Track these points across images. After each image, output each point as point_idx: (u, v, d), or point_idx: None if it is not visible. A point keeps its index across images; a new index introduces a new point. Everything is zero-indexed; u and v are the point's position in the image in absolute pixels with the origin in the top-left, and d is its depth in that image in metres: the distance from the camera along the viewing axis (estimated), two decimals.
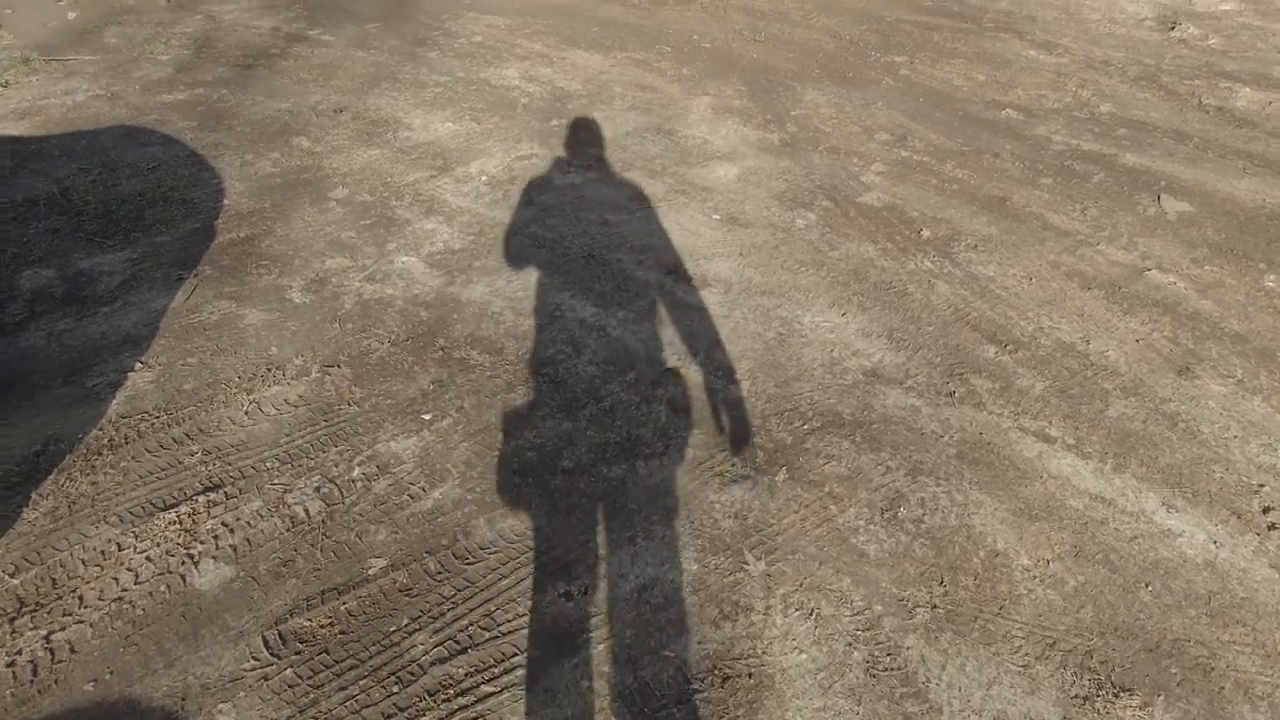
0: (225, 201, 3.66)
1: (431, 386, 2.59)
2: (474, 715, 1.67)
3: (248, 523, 2.09)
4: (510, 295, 3.03)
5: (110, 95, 4.63)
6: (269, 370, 2.64)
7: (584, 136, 4.20)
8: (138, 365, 2.66)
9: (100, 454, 2.27)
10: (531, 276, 3.14)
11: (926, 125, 4.32)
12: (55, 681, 1.71)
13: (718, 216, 3.52)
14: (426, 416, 2.46)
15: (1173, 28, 5.52)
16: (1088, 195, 3.72)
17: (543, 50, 5.30)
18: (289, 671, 1.74)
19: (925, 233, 3.37)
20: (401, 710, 1.68)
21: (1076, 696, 1.74)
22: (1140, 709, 1.71)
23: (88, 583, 1.92)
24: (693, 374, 2.63)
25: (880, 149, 4.07)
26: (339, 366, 2.66)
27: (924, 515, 2.15)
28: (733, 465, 2.29)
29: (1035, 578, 1.99)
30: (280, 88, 4.79)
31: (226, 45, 5.46)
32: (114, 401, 2.47)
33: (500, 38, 5.52)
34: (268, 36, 5.59)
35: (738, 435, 2.38)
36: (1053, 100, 4.63)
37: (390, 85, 4.83)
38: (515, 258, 3.25)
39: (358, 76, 4.96)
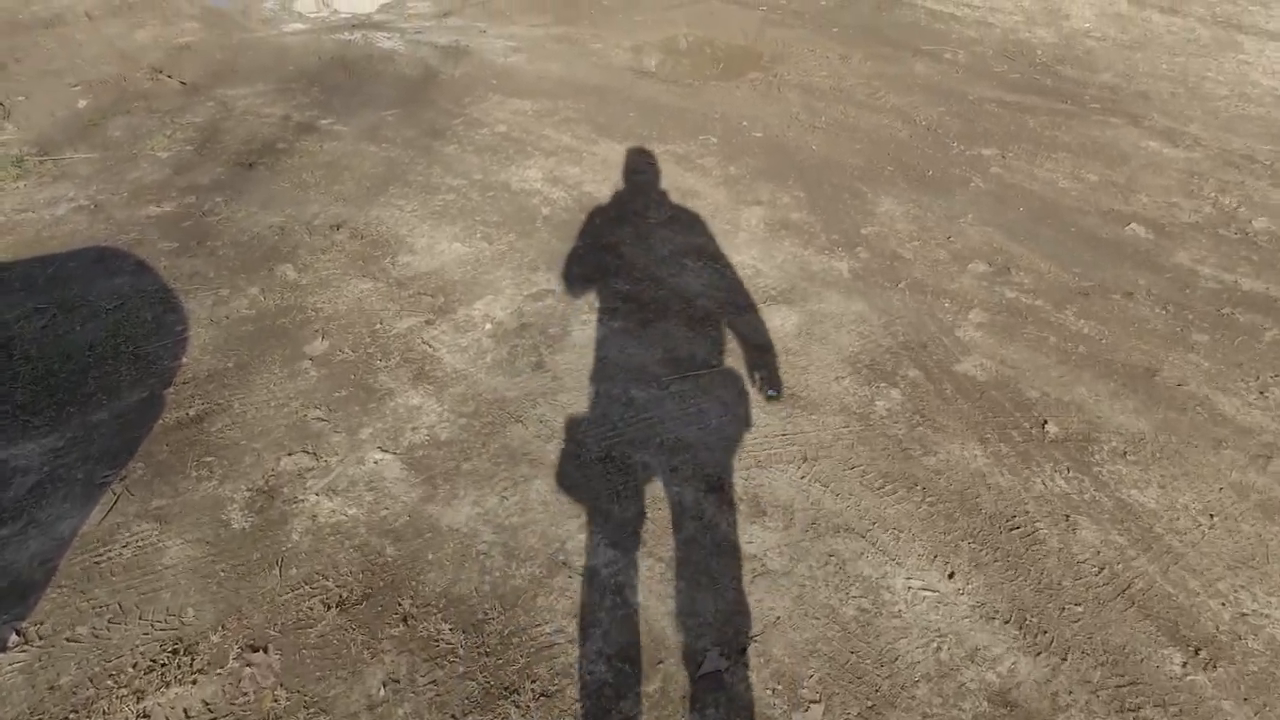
0: (184, 359, 3.08)
1: (383, 692, 1.89)
2: None
3: None
4: (503, 523, 2.33)
5: (94, 206, 4.17)
6: (175, 654, 1.98)
7: (611, 265, 3.52)
8: (13, 639, 2.04)
9: None
10: (533, 490, 2.43)
11: (1032, 248, 3.50)
12: None
13: (773, 393, 2.76)
14: None
15: None
16: (1262, 362, 2.85)
17: (571, 143, 4.68)
18: None
19: (1051, 427, 2.55)
20: None
21: None
22: None
23: None
24: (740, 684, 1.86)
25: (977, 285, 3.27)
26: (266, 650, 1.99)
27: None
28: None
29: None
30: (278, 194, 4.26)
31: (232, 138, 5.00)
32: None
33: (526, 126, 4.92)
34: (276, 127, 5.12)
35: None
36: (1188, 211, 3.75)
37: (398, 190, 4.26)
38: (515, 456, 2.56)
39: (364, 178, 4.41)
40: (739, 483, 2.42)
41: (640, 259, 3.57)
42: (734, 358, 2.96)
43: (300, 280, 3.53)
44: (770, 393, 2.75)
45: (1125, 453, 2.48)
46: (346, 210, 4.09)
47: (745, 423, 2.65)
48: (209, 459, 2.60)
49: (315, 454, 2.60)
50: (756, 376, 2.82)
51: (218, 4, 7.72)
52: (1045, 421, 2.59)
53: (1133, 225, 3.66)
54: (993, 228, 3.69)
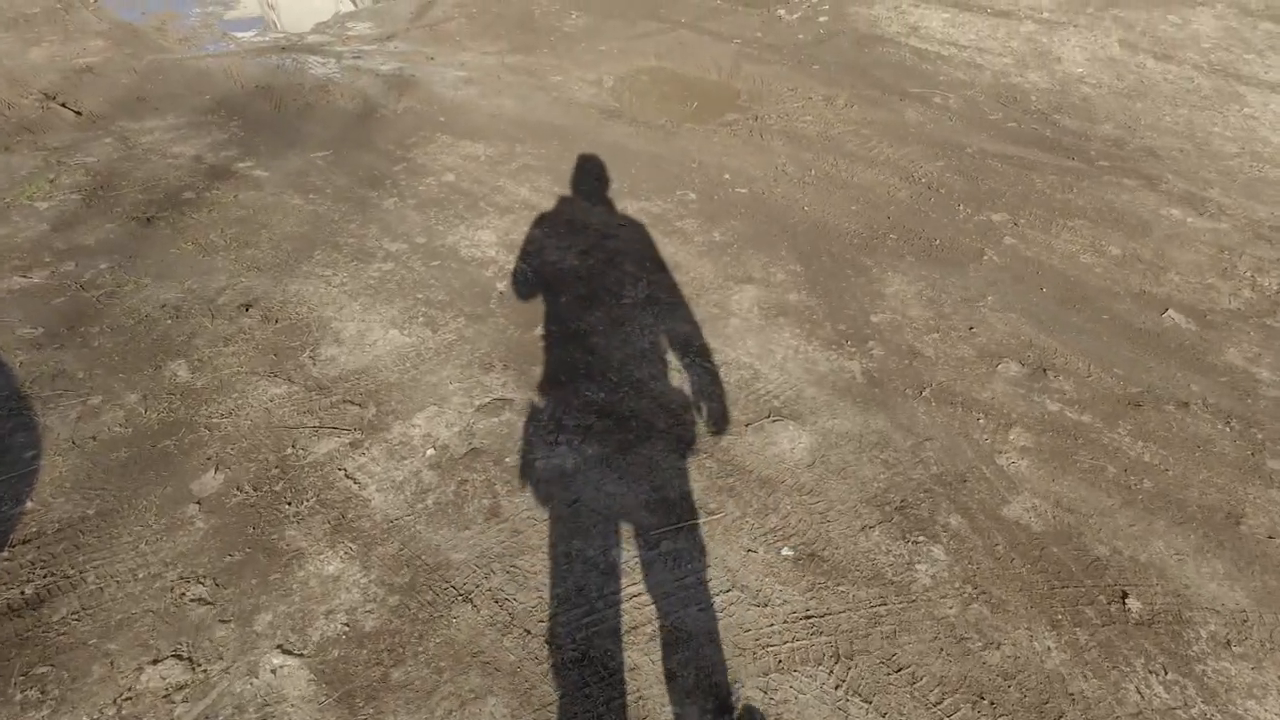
0: (29, 502, 2.37)
1: None
2: None
3: None
4: None
5: None
6: None
7: (580, 363, 2.93)
8: None
9: None
10: (487, 715, 1.81)
11: (1065, 341, 3.04)
12: None
13: (789, 552, 2.21)
14: None
15: None
16: None
17: (529, 196, 4.08)
18: None
19: (1133, 602, 2.05)
20: None
21: None
22: None
23: None
24: None
25: (1013, 393, 2.78)
26: None
27: None
28: None
29: None
30: (178, 261, 3.55)
31: (131, 184, 4.25)
32: None
33: (478, 176, 4.30)
34: (185, 170, 4.38)
35: None
36: (1226, 295, 3.35)
37: (325, 256, 3.59)
38: (463, 658, 1.94)
39: (285, 239, 3.72)
40: (756, 697, 1.85)
41: (616, 354, 2.99)
42: (736, 497, 2.39)
43: (194, 383, 2.84)
44: (784, 551, 2.20)
45: (1228, 640, 1.99)
46: (260, 283, 3.41)
47: (757, 598, 2.09)
48: (42, 670, 1.91)
49: (192, 659, 1.94)
50: (770, 530, 2.26)
51: (129, 17, 6.89)
52: (1125, 594, 2.09)
53: (1170, 312, 3.25)
54: (1017, 314, 3.23)
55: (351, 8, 7.19)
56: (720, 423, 2.64)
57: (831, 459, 2.52)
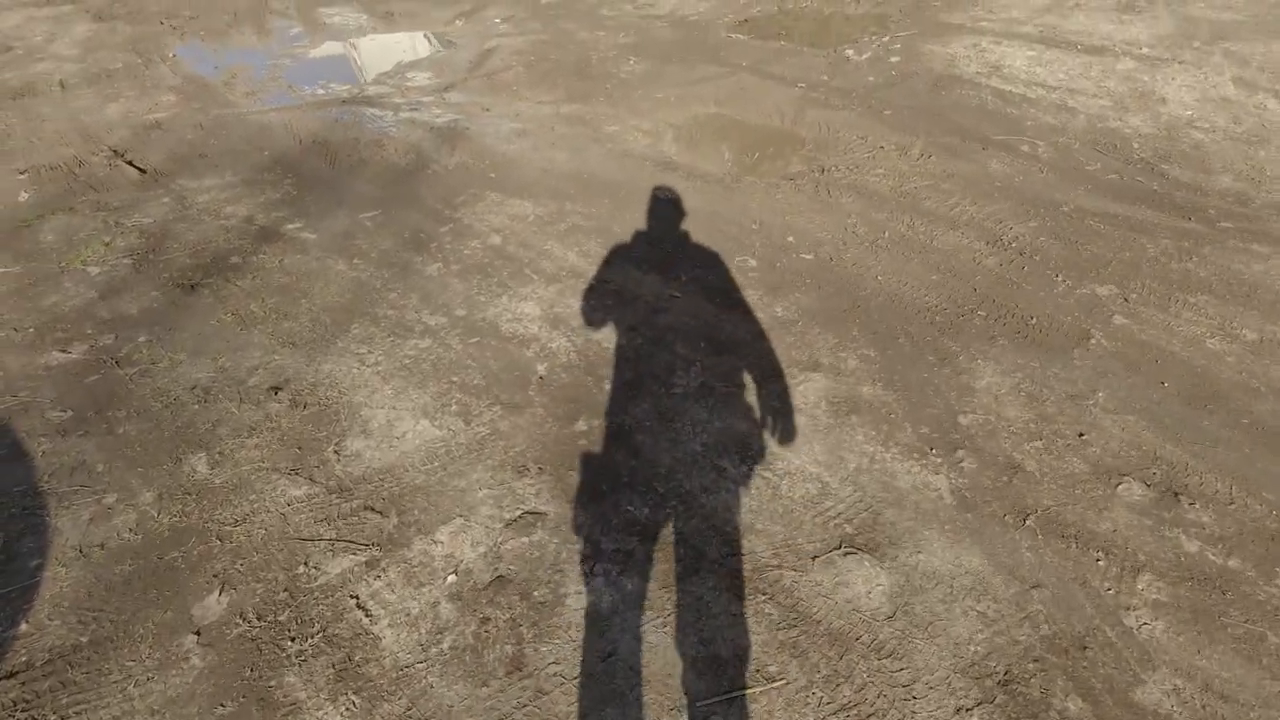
0: (23, 625, 2.19)
1: None
2: None
3: None
4: None
5: None
6: None
7: (623, 466, 2.61)
8: None
9: None
10: None
11: (1196, 453, 2.55)
12: None
13: None
14: None
15: None
16: None
17: (578, 264, 3.82)
18: None
19: None
20: None
21: None
22: None
23: None
24: None
25: (1137, 524, 2.31)
26: None
27: None
28: None
29: None
30: (215, 334, 3.43)
31: (181, 247, 4.21)
32: None
33: (525, 238, 4.08)
34: (235, 233, 4.32)
35: None
36: None
37: (362, 330, 3.41)
38: None
39: (324, 310, 3.57)
40: None
41: (664, 457, 2.66)
42: (800, 658, 2.01)
43: (212, 479, 2.65)
44: None
45: None
46: (293, 361, 3.23)
47: None
48: None
49: None
50: (839, 703, 1.87)
51: (203, 71, 7.07)
52: None
53: None
54: (1135, 416, 2.75)
55: (426, 54, 7.20)
56: (782, 553, 2.27)
57: (917, 609, 2.11)
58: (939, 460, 2.59)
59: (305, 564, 2.35)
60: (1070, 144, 4.79)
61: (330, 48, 7.64)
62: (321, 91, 6.42)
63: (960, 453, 2.61)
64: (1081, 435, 2.66)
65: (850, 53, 6.43)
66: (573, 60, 6.76)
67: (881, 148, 4.88)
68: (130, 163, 5.38)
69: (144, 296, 3.79)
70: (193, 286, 3.86)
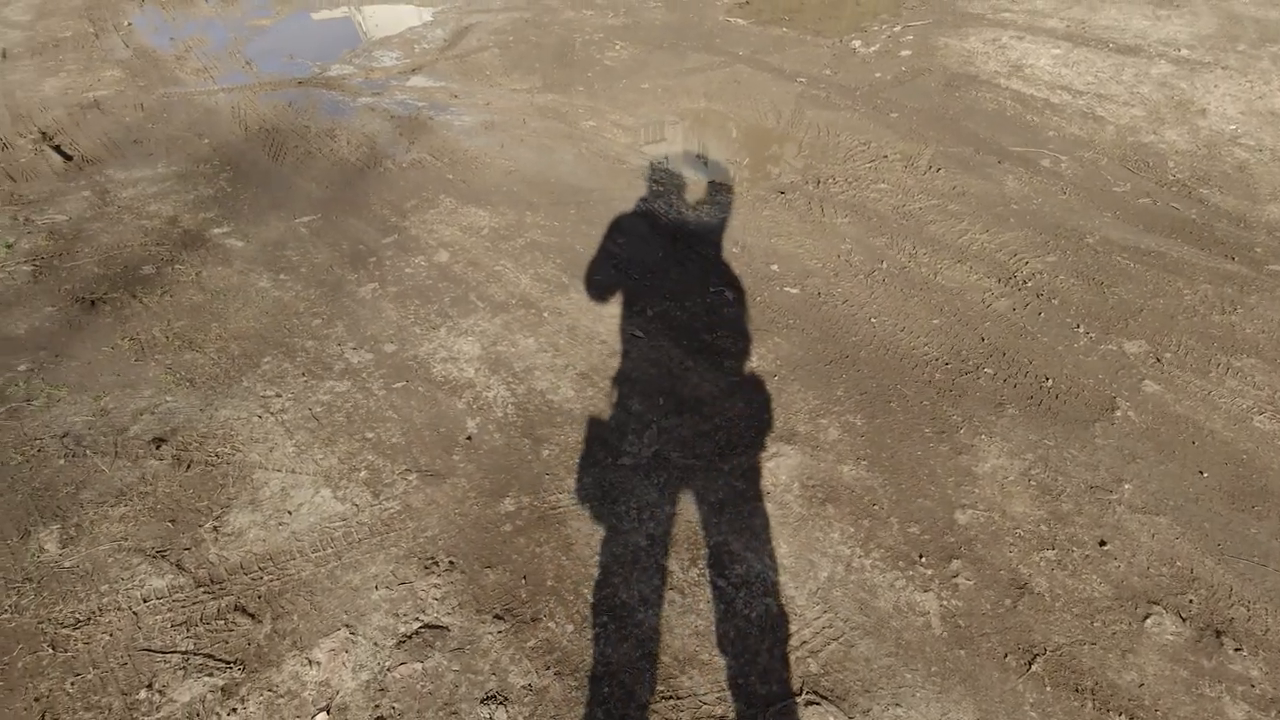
0: None
1: None
2: None
3: None
4: None
5: None
6: None
7: (550, 568, 2.17)
8: None
9: None
10: None
11: (1242, 573, 2.09)
12: None
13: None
14: None
15: None
16: None
17: (529, 289, 3.34)
18: None
19: None
20: None
21: None
22: None
23: None
24: None
25: (1172, 676, 1.87)
26: None
27: None
28: None
29: None
30: (105, 365, 2.98)
31: (91, 251, 3.74)
32: None
33: (475, 256, 3.60)
34: (155, 235, 3.85)
35: None
36: None
37: (273, 366, 2.95)
38: None
39: (235, 340, 3.11)
40: None
41: (600, 553, 2.21)
42: None
43: (61, 562, 2.22)
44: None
45: None
46: (186, 405, 2.78)
47: None
48: None
49: None
50: None
51: (158, 43, 6.52)
52: None
53: None
54: (1167, 517, 2.29)
55: (397, 30, 6.63)
56: (730, 697, 1.83)
57: None
58: (929, 572, 2.13)
59: (149, 687, 1.92)
60: (1097, 159, 4.26)
61: (298, 21, 7.07)
62: (280, 70, 5.88)
63: (956, 563, 2.15)
64: (1103, 544, 2.20)
65: (857, 44, 5.86)
66: (554, 43, 6.20)
67: (885, 157, 4.36)
68: (57, 148, 4.89)
69: (36, 314, 3.33)
70: (93, 302, 3.40)
